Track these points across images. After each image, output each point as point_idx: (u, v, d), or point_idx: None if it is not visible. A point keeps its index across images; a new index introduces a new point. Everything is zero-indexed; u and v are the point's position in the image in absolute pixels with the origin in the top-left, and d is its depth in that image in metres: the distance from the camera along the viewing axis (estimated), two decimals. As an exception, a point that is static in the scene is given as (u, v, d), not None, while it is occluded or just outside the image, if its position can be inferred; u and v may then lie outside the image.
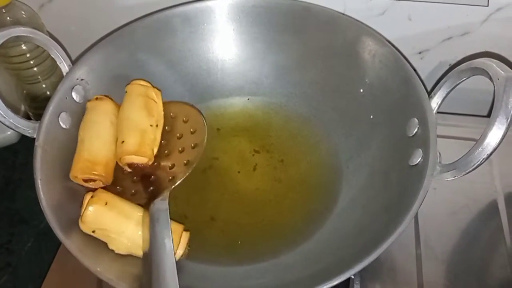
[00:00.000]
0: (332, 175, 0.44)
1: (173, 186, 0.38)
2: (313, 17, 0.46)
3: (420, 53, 0.52)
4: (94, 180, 0.39)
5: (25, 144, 0.56)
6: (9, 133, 0.55)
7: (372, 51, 0.43)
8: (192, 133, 0.41)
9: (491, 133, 0.32)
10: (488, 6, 0.46)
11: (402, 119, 0.39)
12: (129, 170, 0.40)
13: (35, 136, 0.38)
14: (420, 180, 0.34)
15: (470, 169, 0.33)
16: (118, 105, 0.42)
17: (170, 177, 0.39)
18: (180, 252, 0.37)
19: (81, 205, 0.36)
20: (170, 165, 0.40)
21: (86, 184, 0.39)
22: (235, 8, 0.47)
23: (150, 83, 0.43)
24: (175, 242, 0.36)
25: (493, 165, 0.48)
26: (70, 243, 0.33)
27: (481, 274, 0.42)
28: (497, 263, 0.42)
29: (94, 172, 0.38)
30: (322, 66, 0.47)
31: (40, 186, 0.35)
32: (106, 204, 0.36)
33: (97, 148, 0.39)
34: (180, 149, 0.41)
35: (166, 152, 0.41)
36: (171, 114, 0.43)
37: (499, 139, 0.32)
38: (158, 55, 0.47)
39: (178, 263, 0.36)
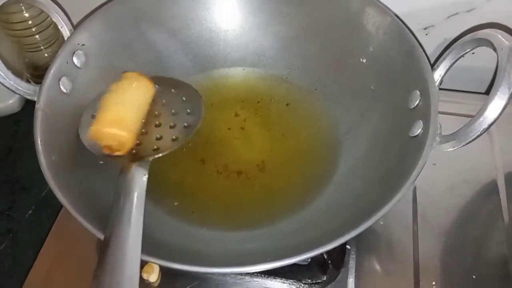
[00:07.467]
0: (332, 146, 0.44)
1: (156, 156, 0.36)
2: (317, -13, 0.46)
3: (425, 29, 0.51)
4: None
5: (27, 113, 0.56)
6: (10, 102, 0.55)
7: (376, 23, 0.42)
8: (188, 114, 0.40)
9: (492, 103, 0.31)
10: (494, -19, 0.45)
11: (404, 91, 0.39)
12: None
13: (35, 99, 0.38)
14: (419, 150, 0.34)
15: (470, 140, 0.33)
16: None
17: (155, 147, 0.38)
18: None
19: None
20: (158, 136, 0.39)
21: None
22: (239, -23, 0.47)
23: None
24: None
25: (494, 143, 0.48)
26: (70, 204, 0.33)
27: (477, 249, 0.42)
28: (494, 239, 0.42)
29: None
30: (325, 38, 0.46)
31: (40, 148, 0.35)
32: None
33: None
34: (172, 124, 0.40)
35: (157, 123, 0.40)
36: (173, 90, 0.42)
37: (500, 110, 0.31)
38: (160, 23, 0.47)
39: (177, 226, 0.37)
